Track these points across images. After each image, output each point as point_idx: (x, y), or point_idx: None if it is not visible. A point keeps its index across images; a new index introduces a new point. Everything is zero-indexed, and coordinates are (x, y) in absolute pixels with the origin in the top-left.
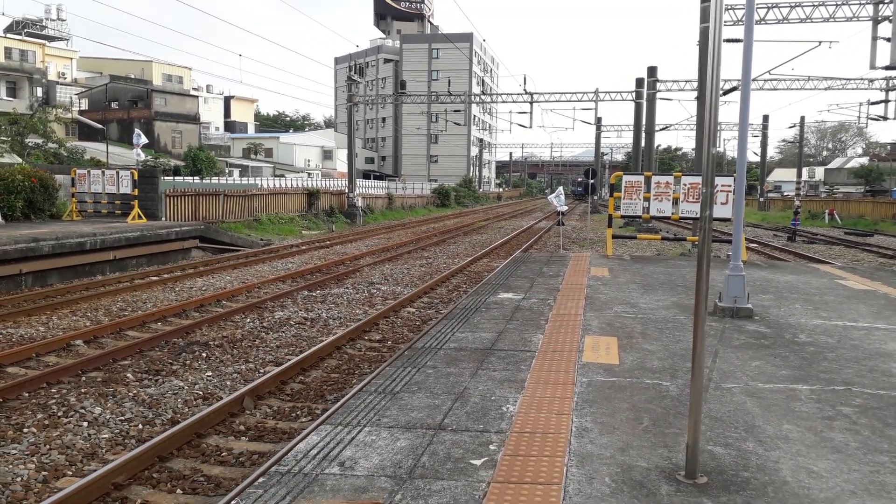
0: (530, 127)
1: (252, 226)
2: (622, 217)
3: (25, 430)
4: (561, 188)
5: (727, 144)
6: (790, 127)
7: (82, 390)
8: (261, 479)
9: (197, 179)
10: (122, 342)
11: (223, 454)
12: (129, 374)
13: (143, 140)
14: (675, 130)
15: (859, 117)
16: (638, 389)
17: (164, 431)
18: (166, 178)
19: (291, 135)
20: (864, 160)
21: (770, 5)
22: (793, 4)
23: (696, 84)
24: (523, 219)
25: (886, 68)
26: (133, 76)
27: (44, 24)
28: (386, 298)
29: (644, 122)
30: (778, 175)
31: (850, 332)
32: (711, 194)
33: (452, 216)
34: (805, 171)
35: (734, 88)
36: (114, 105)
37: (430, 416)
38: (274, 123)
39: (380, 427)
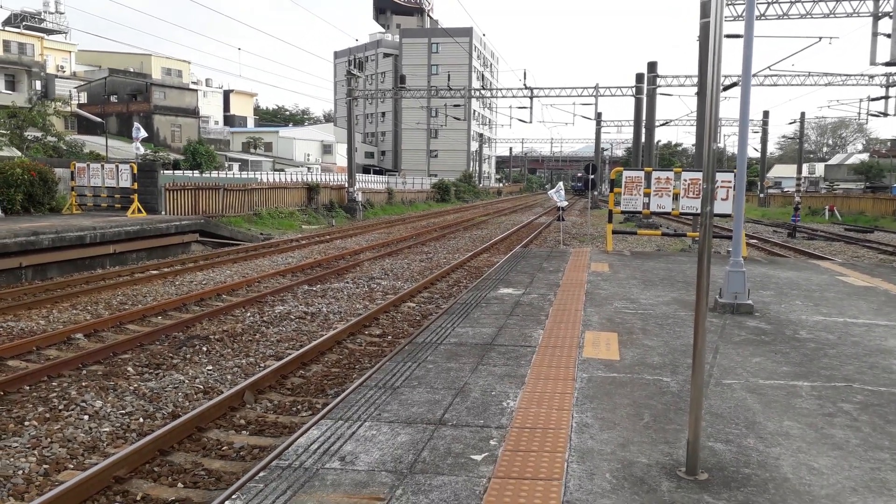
0: (530, 122)
1: (252, 220)
2: (622, 213)
3: (26, 423)
4: (561, 184)
5: (727, 140)
6: (790, 123)
7: (83, 384)
8: (261, 474)
9: (196, 173)
10: (122, 336)
11: (224, 448)
12: (129, 368)
13: (143, 134)
14: (676, 126)
15: (859, 113)
16: (638, 385)
17: (164, 425)
18: (166, 171)
19: (291, 129)
20: (865, 156)
21: (770, 1)
22: (793, 0)
23: (696, 80)
24: (523, 214)
25: (887, 64)
26: (132, 70)
27: (42, 16)
28: (386, 293)
29: (644, 117)
30: (778, 171)
31: (850, 329)
32: (712, 190)
33: (452, 211)
34: (805, 167)
35: (734, 84)
36: (113, 99)
37: (430, 411)
38: (273, 117)
39: (380, 422)
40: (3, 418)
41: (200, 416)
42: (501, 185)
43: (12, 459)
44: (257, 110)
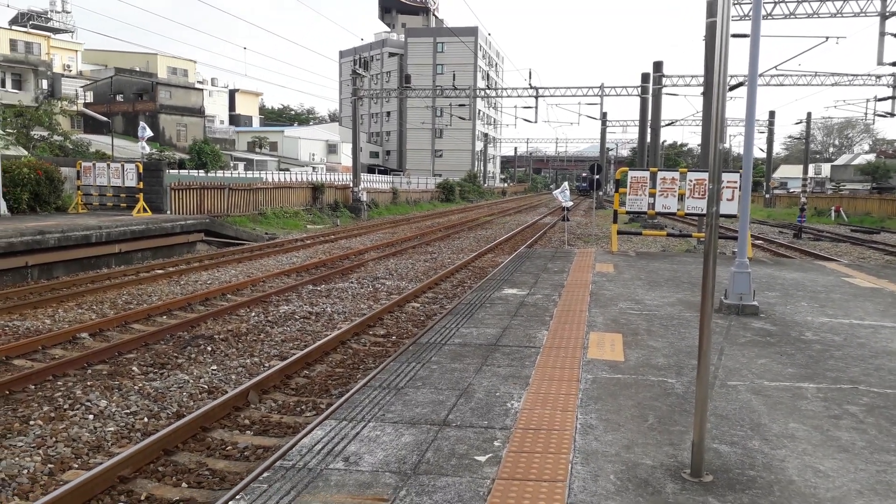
0: (535, 122)
1: (257, 220)
2: (627, 213)
3: (32, 422)
4: (566, 184)
5: (733, 140)
6: (796, 123)
7: (88, 383)
8: (265, 474)
9: (202, 173)
10: (127, 335)
11: (228, 448)
12: (134, 368)
13: (148, 133)
14: (681, 126)
15: (866, 114)
16: (643, 386)
17: (169, 425)
18: (171, 171)
19: (296, 128)
20: (871, 157)
21: (777, 0)
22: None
23: (702, 79)
24: (528, 214)
25: (894, 64)
26: (138, 69)
27: (49, 16)
28: (390, 293)
29: (650, 117)
30: (784, 171)
31: (856, 331)
32: (719, 190)
33: (457, 211)
34: (811, 167)
35: (740, 84)
36: (119, 98)
37: (434, 411)
38: (279, 117)
39: (384, 422)
40: (8, 417)
41: (205, 416)
42: (506, 185)
43: (17, 459)
44: (262, 110)
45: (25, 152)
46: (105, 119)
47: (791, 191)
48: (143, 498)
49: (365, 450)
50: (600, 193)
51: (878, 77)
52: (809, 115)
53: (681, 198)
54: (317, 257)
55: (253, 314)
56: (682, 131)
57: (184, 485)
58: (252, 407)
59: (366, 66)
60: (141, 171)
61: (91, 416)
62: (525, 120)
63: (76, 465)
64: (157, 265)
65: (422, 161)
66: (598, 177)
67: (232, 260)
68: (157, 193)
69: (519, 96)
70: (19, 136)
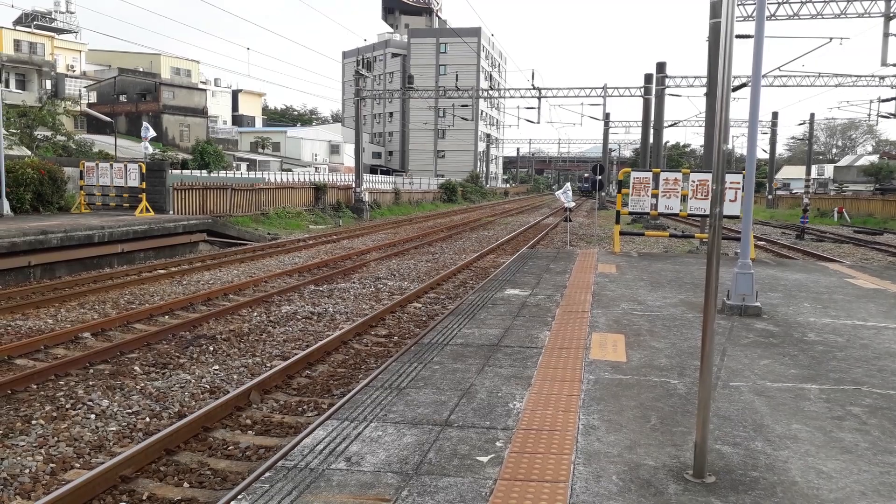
0: (538, 122)
1: (259, 220)
2: (630, 213)
3: (34, 422)
4: (569, 184)
5: (736, 141)
6: (800, 124)
7: (90, 383)
8: (267, 474)
9: (204, 173)
10: (129, 335)
11: (230, 448)
12: (136, 367)
13: (151, 133)
14: (684, 127)
15: (869, 115)
16: (645, 387)
17: (171, 425)
18: (174, 171)
19: (299, 129)
20: (874, 158)
21: (781, 1)
22: (804, 0)
23: (704, 80)
24: (530, 215)
25: None
26: (141, 69)
27: (53, 16)
28: (392, 293)
29: (652, 117)
30: (787, 172)
31: (859, 332)
32: (722, 191)
33: (459, 212)
34: (814, 168)
35: (743, 85)
36: (122, 98)
37: (436, 412)
38: (281, 117)
39: (386, 423)
40: (10, 417)
41: (206, 416)
42: (508, 185)
43: (19, 458)
44: (265, 110)
45: (29, 152)
46: (108, 119)
47: (794, 192)
48: (144, 497)
49: (367, 450)
50: (602, 194)
51: (882, 78)
52: (813, 116)
53: (683, 199)
54: (319, 257)
55: (255, 314)
56: (685, 132)
57: (185, 484)
58: (254, 407)
59: (369, 66)
60: (144, 171)
61: (93, 416)
62: (527, 121)
63: (78, 465)
64: (160, 265)
65: (424, 162)
66: (600, 177)
67: (234, 260)
68: (160, 193)
69: (522, 97)
70: (23, 136)
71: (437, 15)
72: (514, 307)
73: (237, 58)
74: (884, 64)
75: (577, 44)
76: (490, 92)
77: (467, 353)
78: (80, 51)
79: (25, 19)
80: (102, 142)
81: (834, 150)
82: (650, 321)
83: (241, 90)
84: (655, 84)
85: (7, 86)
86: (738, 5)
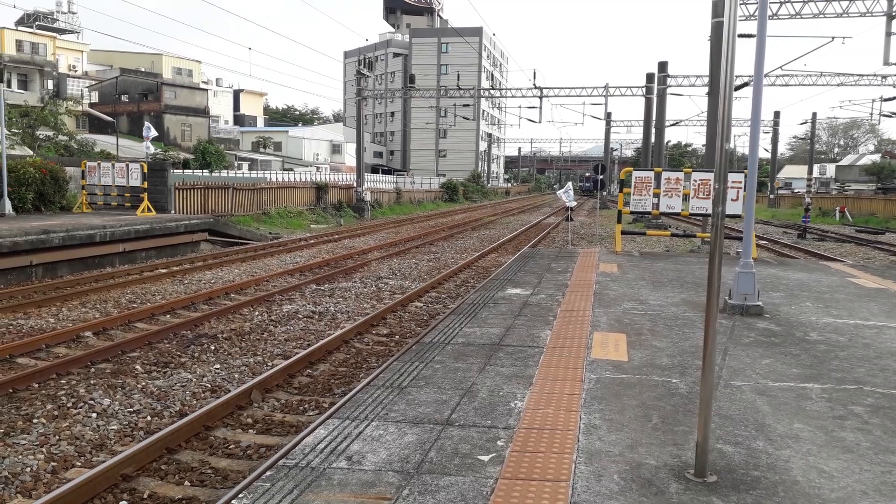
0: (539, 122)
1: (261, 219)
2: (631, 213)
3: (35, 420)
4: (570, 184)
5: (737, 140)
6: (801, 123)
7: (91, 381)
8: (268, 473)
9: (206, 173)
10: (131, 334)
11: (231, 447)
12: (137, 366)
13: (153, 133)
14: (686, 126)
15: (871, 114)
16: (647, 386)
17: (172, 423)
18: (176, 171)
19: (300, 128)
20: (876, 157)
21: (783, 0)
22: None
23: (706, 79)
24: (531, 214)
25: None
26: (143, 69)
27: (55, 16)
28: (394, 293)
29: (654, 117)
30: (788, 172)
31: (861, 331)
32: (724, 190)
33: (460, 211)
34: (816, 168)
35: (745, 84)
36: (124, 98)
37: (437, 411)
38: (283, 117)
39: (387, 421)
40: (11, 416)
41: (208, 415)
42: (510, 185)
43: (21, 457)
44: (267, 110)
45: (31, 152)
46: (110, 119)
47: (796, 191)
48: (145, 496)
49: (368, 449)
50: (604, 193)
51: (884, 77)
52: (814, 115)
53: (685, 198)
54: (320, 257)
55: (256, 313)
56: (687, 131)
57: (186, 483)
58: (255, 406)
59: (370, 66)
60: (145, 170)
61: (94, 415)
62: (529, 120)
63: (79, 464)
64: (161, 264)
65: (425, 161)
66: (601, 177)
67: (235, 259)
68: (162, 193)
69: (523, 96)
70: (25, 136)
71: (438, 15)
72: (516, 306)
73: (239, 58)
74: (886, 63)
75: (579, 43)
76: (491, 91)
77: (469, 353)
78: (82, 51)
79: (27, 19)
80: (104, 141)
81: (836, 150)
82: (652, 320)
83: (242, 90)
84: (657, 83)
85: (9, 86)
86: (740, 4)
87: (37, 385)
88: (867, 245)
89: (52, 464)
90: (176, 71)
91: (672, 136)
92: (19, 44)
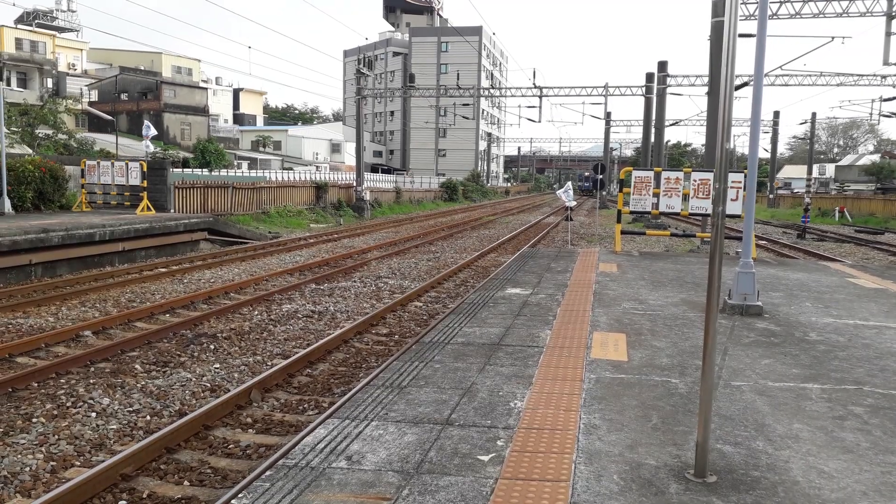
0: (539, 121)
1: (260, 218)
2: (631, 213)
3: (34, 420)
4: (570, 183)
5: (737, 140)
6: (801, 123)
7: (91, 381)
8: (268, 473)
9: (206, 171)
10: (130, 333)
11: (230, 446)
12: (137, 366)
13: (153, 132)
14: (685, 126)
15: (871, 114)
16: (647, 386)
17: (171, 423)
18: (175, 169)
19: (300, 128)
20: (876, 157)
21: (783, 0)
22: None
23: (706, 79)
24: (531, 214)
25: None
26: (143, 68)
27: (54, 14)
28: (393, 292)
29: (654, 117)
30: (788, 172)
31: (861, 331)
32: (725, 190)
33: (460, 210)
34: (816, 168)
35: (745, 84)
36: (123, 96)
37: (437, 410)
38: (283, 116)
39: (387, 421)
40: (11, 415)
41: (207, 415)
42: (509, 184)
43: (20, 456)
44: (267, 109)
45: (30, 151)
46: (109, 118)
47: (795, 191)
48: (144, 496)
49: (367, 449)
50: (604, 193)
51: (884, 77)
52: (814, 115)
53: (685, 198)
54: (320, 256)
55: (256, 313)
56: (686, 131)
57: (186, 483)
58: (254, 405)
59: (370, 65)
60: (145, 169)
61: (93, 414)
62: (529, 119)
63: (78, 463)
64: (161, 263)
65: (425, 160)
66: (601, 176)
67: (235, 258)
68: (161, 192)
69: (523, 96)
70: (24, 134)
71: (438, 14)
72: (516, 306)
73: (238, 56)
74: (886, 63)
75: (579, 43)
76: (491, 91)
77: (468, 352)
78: (82, 49)
79: (27, 18)
80: (104, 140)
81: (835, 150)
82: (651, 320)
83: (242, 89)
84: (657, 83)
85: (8, 84)
86: (740, 4)
87: (36, 384)
88: (866, 245)
89: (52, 463)
90: (175, 70)
91: (672, 135)
92: (19, 42)
